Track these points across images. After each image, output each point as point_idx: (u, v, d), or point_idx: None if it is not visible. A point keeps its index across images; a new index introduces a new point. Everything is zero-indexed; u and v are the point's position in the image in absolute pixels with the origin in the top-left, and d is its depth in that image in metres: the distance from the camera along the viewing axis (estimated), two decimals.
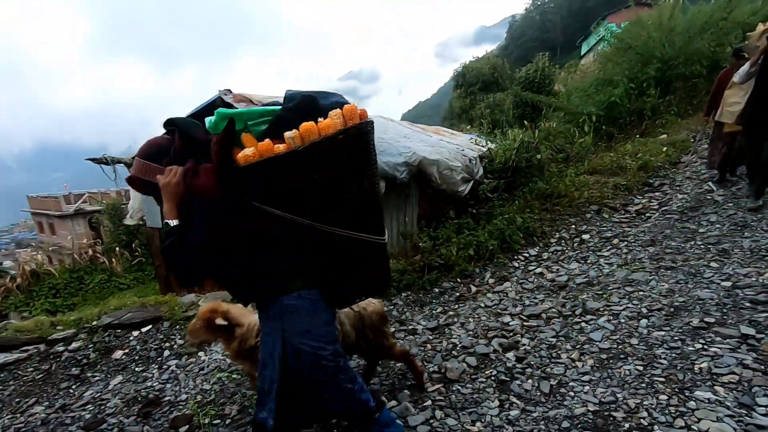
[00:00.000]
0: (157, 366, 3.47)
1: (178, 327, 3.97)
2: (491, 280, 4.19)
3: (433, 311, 3.79)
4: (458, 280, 4.28)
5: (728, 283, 3.11)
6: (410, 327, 3.50)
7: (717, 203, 4.79)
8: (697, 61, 8.57)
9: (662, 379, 2.28)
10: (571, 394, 2.33)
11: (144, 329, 3.96)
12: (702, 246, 3.88)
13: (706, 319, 2.71)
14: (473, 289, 4.08)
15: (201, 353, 3.58)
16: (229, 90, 5.10)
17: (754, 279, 3.09)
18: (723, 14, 9.21)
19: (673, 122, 8.32)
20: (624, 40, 9.84)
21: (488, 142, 6.42)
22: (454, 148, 5.62)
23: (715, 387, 2.14)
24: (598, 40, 19.90)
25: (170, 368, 3.40)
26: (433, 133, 6.76)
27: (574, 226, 5.02)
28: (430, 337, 3.27)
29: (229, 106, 4.92)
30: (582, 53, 27.51)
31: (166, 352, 3.65)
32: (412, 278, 4.25)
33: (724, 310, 2.79)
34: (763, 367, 2.20)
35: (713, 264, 3.49)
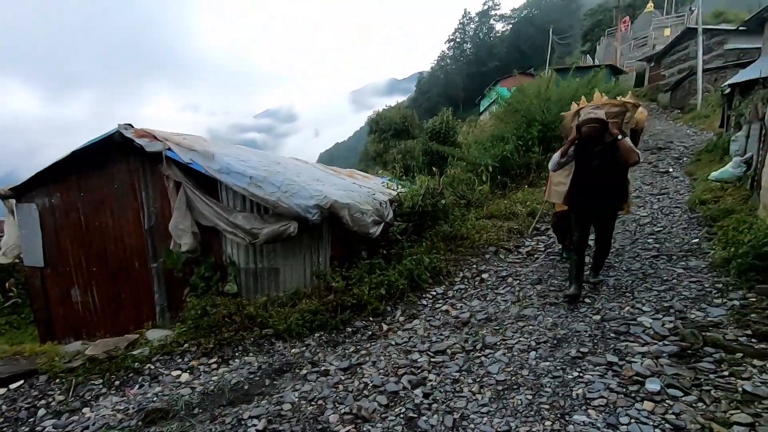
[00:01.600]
0: (27, 429, 2.92)
1: (58, 381, 3.42)
2: (402, 318, 4.33)
3: (346, 351, 3.78)
4: (370, 318, 4.35)
5: (598, 317, 3.65)
6: (322, 368, 3.44)
7: (589, 246, 5.62)
8: None
9: (547, 406, 2.56)
10: (472, 426, 2.49)
11: (13, 386, 3.33)
12: None
13: (581, 350, 3.13)
14: (385, 327, 4.18)
15: (86, 409, 3.10)
16: (129, 125, 4.78)
17: (617, 312, 3.67)
18: (586, 90, 11.26)
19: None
20: (512, 104, 11.38)
21: (399, 186, 6.82)
22: (366, 191, 5.86)
23: (589, 410, 2.47)
24: (492, 101, 22.67)
25: (45, 430, 2.89)
26: (347, 176, 6.98)
27: (475, 266, 5.47)
28: (342, 378, 3.25)
29: (130, 141, 4.60)
30: (481, 110, 30.95)
31: (41, 411, 3.09)
32: (325, 318, 4.22)
33: (595, 341, 3.25)
34: (624, 390, 2.59)
35: (587, 300, 4.06)
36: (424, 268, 5.06)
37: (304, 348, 3.90)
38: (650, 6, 35.08)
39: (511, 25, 68.62)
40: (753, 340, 2.86)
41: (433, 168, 8.76)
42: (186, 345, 3.96)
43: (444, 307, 4.47)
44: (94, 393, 3.35)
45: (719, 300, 3.54)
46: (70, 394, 3.32)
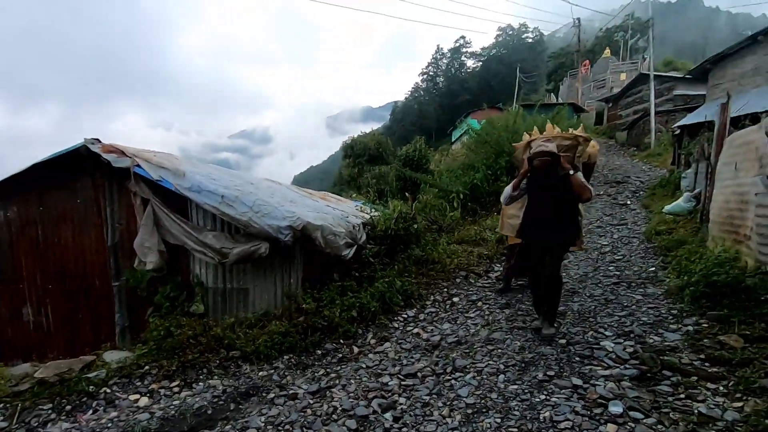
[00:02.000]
0: None
1: (1, 406, 3.16)
2: (373, 341, 4.30)
3: (315, 374, 3.70)
4: (341, 341, 4.29)
5: (564, 341, 3.75)
6: (291, 392, 3.34)
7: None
8: None
9: (516, 430, 2.59)
10: None
11: None
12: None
13: (548, 373, 3.20)
14: (355, 350, 4.13)
15: None
16: (97, 139, 4.65)
17: (581, 337, 3.80)
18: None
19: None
20: (482, 136, 11.87)
21: (373, 210, 6.89)
22: (339, 214, 5.89)
23: None
24: (463, 132, 23.48)
25: None
26: (320, 199, 6.99)
27: (446, 290, 5.54)
28: (311, 402, 3.17)
29: (96, 156, 4.46)
30: (452, 140, 31.98)
31: None
32: (295, 340, 4.12)
33: (561, 364, 3.33)
34: (589, 413, 2.66)
35: (554, 324, 4.17)
36: (396, 291, 5.08)
37: (272, 371, 3.78)
38: (607, 52, 38.08)
39: (481, 62, 72.22)
40: (706, 364, 3.02)
41: (406, 193, 8.91)
42: (146, 367, 3.75)
43: (415, 330, 4.47)
44: (42, 419, 3.10)
45: (675, 325, 3.74)
46: (15, 420, 3.06)
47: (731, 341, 3.13)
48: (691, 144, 10.43)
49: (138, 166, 4.49)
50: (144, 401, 3.34)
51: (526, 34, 71.56)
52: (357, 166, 18.72)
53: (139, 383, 3.59)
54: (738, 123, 7.45)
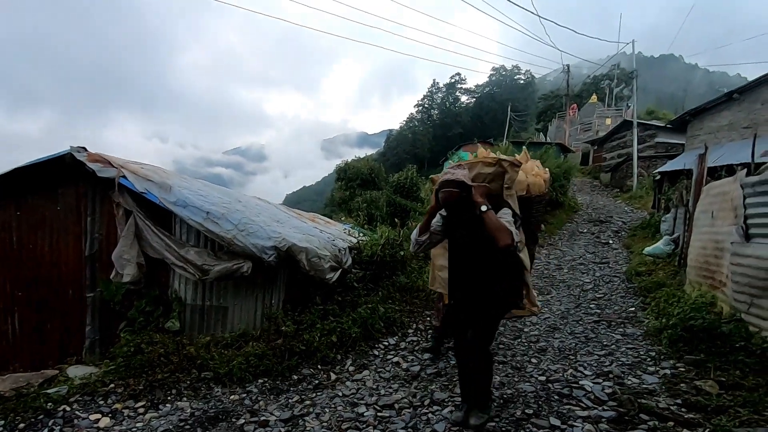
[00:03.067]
0: None
1: None
2: (351, 368, 4.20)
3: (290, 400, 3.57)
4: (319, 366, 4.18)
5: (543, 378, 3.72)
6: (262, 418, 3.22)
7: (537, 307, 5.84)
8: None
9: None
10: None
11: None
12: (526, 343, 4.61)
13: (526, 411, 3.15)
14: (333, 376, 4.02)
15: None
16: (83, 148, 4.61)
17: (560, 375, 3.77)
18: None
19: None
20: None
21: (360, 234, 6.87)
22: (326, 237, 5.87)
23: None
24: (455, 164, 23.90)
25: None
26: (309, 220, 6.97)
27: (428, 318, 5.49)
28: (282, 430, 3.06)
29: (80, 164, 4.41)
30: (444, 170, 32.31)
31: None
32: (271, 363, 4.00)
33: (540, 402, 3.29)
34: None
35: (533, 360, 4.15)
36: (379, 318, 5.01)
37: (245, 395, 3.65)
38: (594, 98, 39.79)
39: (474, 99, 74.61)
40: (683, 409, 3.01)
41: (396, 219, 8.94)
42: (112, 385, 3.59)
43: (395, 359, 4.39)
44: None
45: (653, 368, 3.74)
46: None
47: (707, 387, 3.14)
48: (670, 190, 10.80)
49: (123, 177, 4.44)
50: (105, 422, 3.17)
51: (518, 75, 74.47)
52: (349, 189, 18.83)
53: (102, 402, 3.42)
54: (714, 173, 7.77)
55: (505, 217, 2.65)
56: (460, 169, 2.78)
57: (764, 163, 4.75)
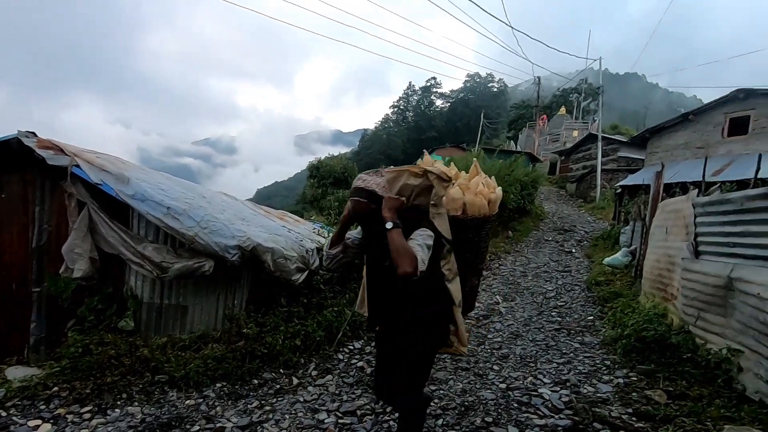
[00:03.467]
0: None
1: None
2: (314, 372, 4.13)
3: (249, 405, 3.46)
4: (281, 370, 4.08)
5: (504, 385, 3.79)
6: (218, 425, 3.10)
7: (501, 314, 5.97)
8: None
9: None
10: None
11: None
12: (489, 350, 4.69)
13: (486, 419, 3.19)
14: (295, 381, 3.93)
15: None
16: (32, 132, 4.30)
17: (521, 382, 3.85)
18: (507, 171, 12.63)
19: None
20: None
21: (330, 235, 6.76)
22: (294, 236, 5.74)
23: None
24: None
25: None
26: (277, 218, 6.80)
27: None
28: None
29: (29, 150, 4.11)
30: None
31: None
32: (231, 367, 3.87)
33: (500, 410, 3.34)
34: None
35: (495, 367, 4.22)
36: (345, 321, 4.95)
37: (201, 400, 3.51)
38: (563, 110, 41.35)
39: (449, 103, 75.78)
40: (633, 418, 3.13)
41: None
42: (55, 388, 3.35)
43: (360, 364, 4.35)
44: None
45: (607, 377, 3.89)
46: None
47: (656, 396, 3.29)
48: (630, 203, 11.33)
49: (77, 166, 4.17)
50: (46, 428, 2.96)
51: (491, 84, 76.25)
52: (321, 187, 18.59)
53: (43, 407, 3.20)
54: (670, 189, 8.21)
55: (418, 239, 2.09)
56: (375, 176, 2.31)
57: (715, 183, 5.06)
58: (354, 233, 2.49)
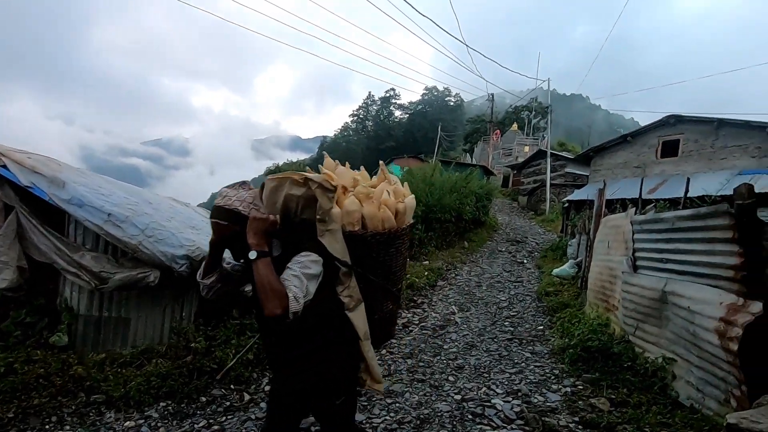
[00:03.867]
0: None
1: None
2: (267, 387, 3.97)
3: (195, 425, 3.27)
4: (232, 386, 3.89)
5: (459, 396, 3.84)
6: None
7: (457, 324, 6.07)
8: (448, 211, 11.45)
9: None
10: None
11: None
12: (445, 361, 4.74)
13: None
14: (246, 397, 3.76)
15: None
16: None
17: (475, 393, 3.92)
18: (463, 183, 13.04)
19: (432, 253, 10.53)
20: None
21: None
22: None
23: None
24: None
25: None
26: None
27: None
28: None
29: None
30: None
31: None
32: (177, 384, 3.63)
33: (454, 422, 3.38)
34: None
35: (450, 378, 4.27)
36: None
37: (143, 421, 3.26)
38: (515, 126, 43.55)
39: (408, 115, 77.27)
40: (580, 426, 3.27)
41: None
42: None
43: None
44: None
45: (556, 386, 4.05)
46: None
47: (600, 404, 3.48)
48: (576, 217, 12.02)
49: (4, 167, 3.80)
50: None
51: (448, 98, 78.74)
52: None
53: None
54: (612, 205, 8.80)
55: (294, 268, 1.68)
56: (241, 190, 1.86)
57: (651, 201, 5.48)
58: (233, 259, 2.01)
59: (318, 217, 1.84)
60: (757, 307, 2.69)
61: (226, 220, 1.79)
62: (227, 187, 1.92)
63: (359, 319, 1.97)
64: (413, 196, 2.43)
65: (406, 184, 2.52)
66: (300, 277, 1.67)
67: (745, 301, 2.80)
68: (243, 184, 1.95)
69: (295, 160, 25.06)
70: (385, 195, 2.23)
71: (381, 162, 2.68)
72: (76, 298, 4.07)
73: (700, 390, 3.17)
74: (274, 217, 1.80)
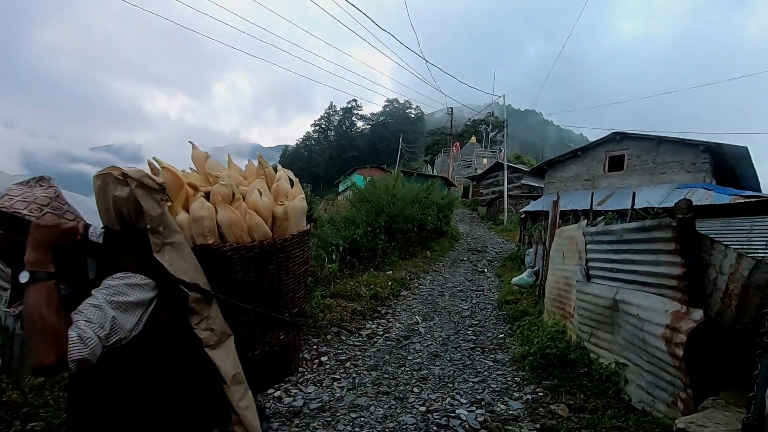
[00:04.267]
0: None
1: None
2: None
3: None
4: None
5: (423, 408, 3.83)
6: None
7: (421, 334, 6.10)
8: (410, 221, 11.59)
9: None
10: None
11: None
12: (409, 372, 4.73)
13: None
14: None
15: None
16: None
17: (440, 404, 3.93)
18: (425, 194, 13.28)
19: (396, 262, 10.58)
20: (364, 193, 12.48)
21: None
22: None
23: None
24: (349, 186, 24.46)
25: None
26: None
27: (315, 347, 5.31)
28: None
29: None
30: (339, 190, 32.81)
31: None
32: None
33: None
34: None
35: (415, 389, 4.27)
36: None
37: None
38: (473, 139, 45.09)
39: (370, 126, 78.03)
40: None
41: None
42: None
43: (277, 393, 4.10)
44: None
45: (518, 393, 4.15)
46: None
47: (559, 410, 3.60)
48: (532, 227, 12.53)
49: None
50: None
51: (409, 110, 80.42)
52: None
53: None
54: (565, 216, 9.25)
55: (97, 295, 1.25)
56: (34, 188, 1.40)
57: (601, 212, 5.80)
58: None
59: (149, 226, 1.40)
60: (698, 314, 2.90)
61: (3, 228, 1.30)
62: (18, 183, 1.42)
63: (224, 358, 1.55)
64: (303, 195, 1.98)
65: (297, 181, 2.05)
66: (102, 308, 1.21)
67: (688, 309, 3.01)
68: (42, 179, 1.45)
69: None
70: (256, 196, 1.75)
71: (259, 155, 2.19)
72: (10, 317, 3.71)
73: (650, 393, 3.36)
74: (74, 223, 1.35)
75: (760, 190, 11.94)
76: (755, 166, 12.18)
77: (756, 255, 4.08)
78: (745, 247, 6.30)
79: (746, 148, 11.24)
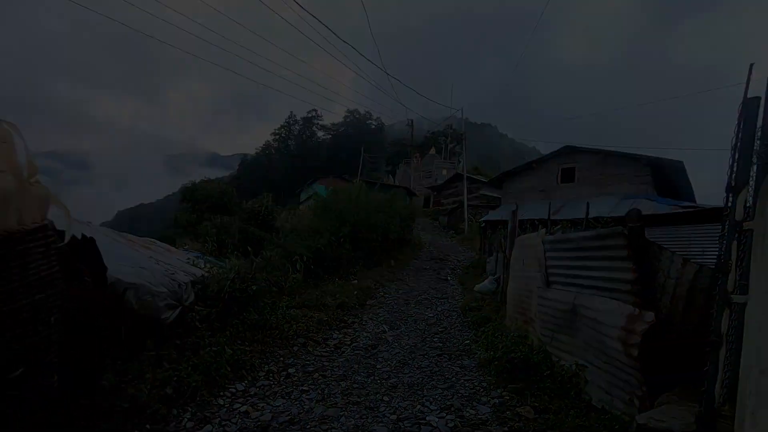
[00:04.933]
0: None
1: None
2: (190, 424, 3.61)
3: None
4: (147, 426, 3.46)
5: (394, 416, 3.84)
6: None
7: (388, 342, 6.11)
8: (375, 229, 11.66)
9: None
10: None
11: None
12: (378, 381, 4.73)
13: None
14: None
15: None
16: None
17: (410, 411, 3.95)
18: (388, 204, 13.43)
19: (361, 272, 10.57)
20: (327, 203, 12.45)
21: (208, 265, 6.19)
22: (163, 270, 5.11)
23: None
24: (310, 195, 24.23)
25: None
26: (143, 248, 5.96)
27: (282, 359, 5.18)
28: None
29: None
30: (301, 200, 32.35)
31: None
32: (76, 431, 3.14)
33: None
34: None
35: (385, 398, 4.27)
36: (225, 361, 4.49)
37: None
38: (433, 150, 46.24)
39: (331, 136, 78.00)
40: None
41: (249, 247, 8.36)
42: None
43: (243, 408, 3.96)
44: None
45: (485, 398, 4.25)
46: None
47: (525, 413, 3.73)
48: (492, 236, 12.97)
49: None
50: None
51: (370, 120, 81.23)
52: (197, 212, 16.88)
53: None
54: (522, 225, 9.66)
55: None
56: None
57: (556, 221, 6.13)
58: None
59: None
60: (650, 316, 3.14)
61: None
62: None
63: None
64: (38, 179, 1.26)
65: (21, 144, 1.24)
66: None
67: (641, 312, 3.25)
68: None
69: (213, 177, 23.56)
70: None
71: None
72: None
73: (608, 392, 3.57)
74: None
75: (695, 201, 13.04)
76: (690, 178, 13.32)
77: (696, 261, 4.47)
78: (685, 254, 6.85)
79: (682, 163, 12.30)
